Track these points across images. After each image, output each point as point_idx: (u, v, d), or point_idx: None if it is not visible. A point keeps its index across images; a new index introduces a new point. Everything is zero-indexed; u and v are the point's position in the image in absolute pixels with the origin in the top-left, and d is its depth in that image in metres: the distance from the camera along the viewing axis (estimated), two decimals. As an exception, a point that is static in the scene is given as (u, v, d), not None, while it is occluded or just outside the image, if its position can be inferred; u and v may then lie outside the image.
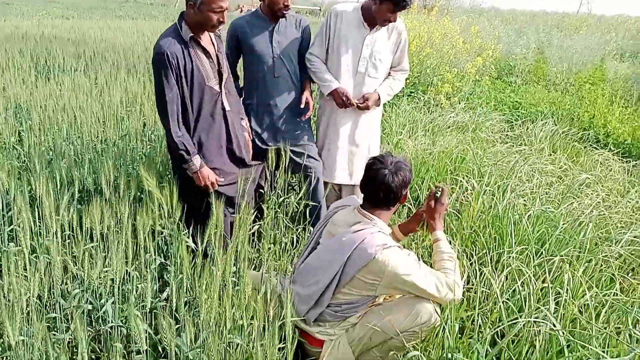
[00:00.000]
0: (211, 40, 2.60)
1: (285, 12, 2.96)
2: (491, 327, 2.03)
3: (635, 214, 3.40)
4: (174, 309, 1.89)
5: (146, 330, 1.83)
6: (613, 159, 5.10)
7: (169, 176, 3.14)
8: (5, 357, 1.81)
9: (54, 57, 7.17)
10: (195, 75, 2.47)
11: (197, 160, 2.49)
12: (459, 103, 6.47)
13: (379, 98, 3.14)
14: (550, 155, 4.84)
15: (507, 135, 5.56)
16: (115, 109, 4.37)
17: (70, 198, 2.40)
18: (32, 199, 2.64)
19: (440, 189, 2.27)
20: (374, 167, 2.10)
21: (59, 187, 2.60)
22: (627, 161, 5.10)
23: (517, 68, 9.29)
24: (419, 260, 2.05)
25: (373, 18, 2.98)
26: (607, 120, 6.30)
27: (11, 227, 2.50)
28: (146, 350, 1.86)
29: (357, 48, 3.05)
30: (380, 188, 2.07)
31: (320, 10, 34.33)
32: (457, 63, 7.62)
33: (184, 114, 2.51)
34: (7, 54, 6.96)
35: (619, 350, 1.96)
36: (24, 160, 3.59)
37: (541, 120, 6.07)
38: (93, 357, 2.05)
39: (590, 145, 5.71)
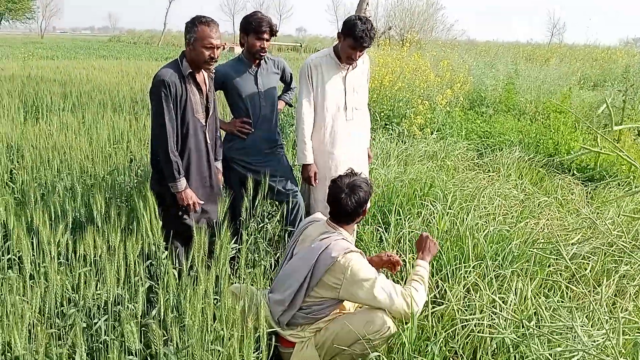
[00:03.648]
0: (204, 80, 2.94)
1: (262, 54, 3.29)
2: (444, 330, 2.28)
3: (588, 232, 3.69)
4: (161, 320, 2.11)
5: (140, 340, 2.04)
6: (574, 183, 5.44)
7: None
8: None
9: (41, 97, 7.41)
10: (188, 105, 2.81)
11: (183, 181, 2.78)
12: (431, 134, 6.82)
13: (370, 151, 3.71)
14: (516, 180, 5.16)
15: (475, 163, 5.89)
16: (103, 146, 4.62)
17: (64, 228, 2.63)
18: (28, 230, 2.85)
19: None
20: (333, 190, 2.40)
21: (53, 219, 2.82)
22: (588, 185, 5.43)
23: (488, 99, 9.72)
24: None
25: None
26: (570, 146, 6.68)
27: (9, 256, 2.70)
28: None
29: (341, 88, 3.35)
30: (339, 210, 2.37)
31: (301, 46, 35.21)
32: (429, 95, 8.01)
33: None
34: (-4, 96, 7.20)
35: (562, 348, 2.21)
36: (16, 197, 3.80)
37: (508, 148, 6.42)
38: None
39: (555, 170, 6.05)
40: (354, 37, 3.10)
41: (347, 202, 2.37)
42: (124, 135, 5.16)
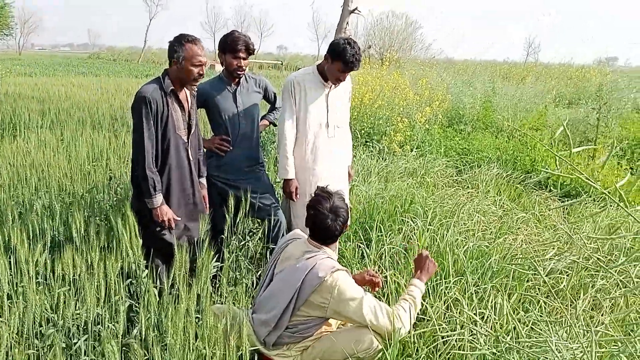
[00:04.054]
0: (187, 97, 2.95)
1: (240, 72, 3.32)
2: (426, 346, 2.30)
3: (565, 247, 3.76)
4: (142, 340, 2.09)
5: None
6: (551, 199, 5.55)
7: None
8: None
9: (19, 114, 7.33)
10: (169, 122, 2.82)
11: (159, 197, 2.78)
12: (411, 151, 6.90)
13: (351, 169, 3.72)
14: (494, 197, 5.24)
15: (454, 180, 5.97)
16: (82, 164, 4.58)
17: (43, 247, 2.59)
18: (5, 249, 2.80)
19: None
20: (318, 218, 2.41)
21: (31, 238, 2.78)
22: (564, 201, 5.54)
23: (466, 116, 9.88)
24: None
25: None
26: (547, 163, 6.81)
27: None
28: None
29: (323, 105, 3.39)
30: (326, 234, 2.40)
31: (282, 64, 35.46)
32: (408, 113, 8.12)
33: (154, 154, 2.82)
34: (-28, 113, 7.10)
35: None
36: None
37: (487, 165, 6.53)
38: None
39: (532, 187, 6.15)
40: (344, 61, 3.16)
41: (335, 227, 2.41)
42: (103, 153, 5.13)
